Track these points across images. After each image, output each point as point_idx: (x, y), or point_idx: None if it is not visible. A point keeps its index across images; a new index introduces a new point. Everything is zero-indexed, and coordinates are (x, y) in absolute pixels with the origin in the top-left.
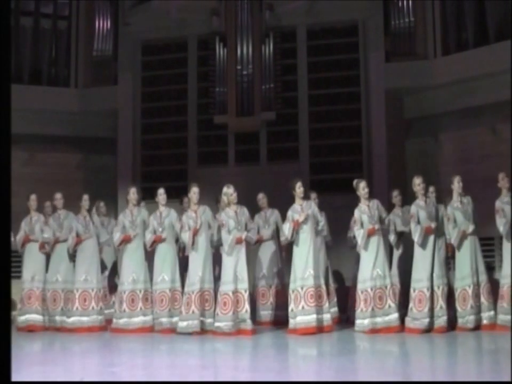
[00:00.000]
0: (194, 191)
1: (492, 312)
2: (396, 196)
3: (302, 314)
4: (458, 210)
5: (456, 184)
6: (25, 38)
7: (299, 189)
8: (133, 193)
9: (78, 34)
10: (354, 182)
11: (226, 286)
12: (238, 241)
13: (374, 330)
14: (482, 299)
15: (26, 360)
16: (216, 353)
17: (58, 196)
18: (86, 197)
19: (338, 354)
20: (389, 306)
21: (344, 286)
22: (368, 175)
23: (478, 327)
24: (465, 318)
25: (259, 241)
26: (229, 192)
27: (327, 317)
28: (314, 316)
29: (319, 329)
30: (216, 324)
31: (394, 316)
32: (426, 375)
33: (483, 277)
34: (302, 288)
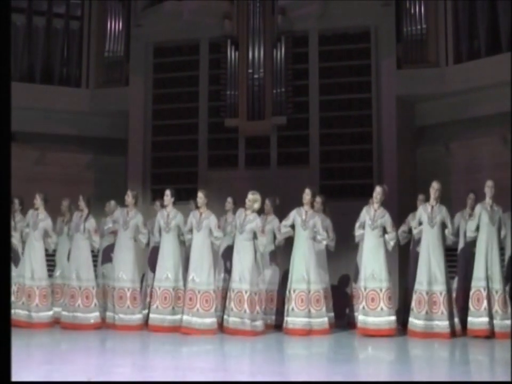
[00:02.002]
0: (199, 196)
1: (505, 322)
2: (420, 200)
3: (292, 316)
4: (486, 212)
5: (487, 189)
6: (37, 38)
7: (304, 195)
8: (127, 196)
9: (90, 35)
10: None
11: (231, 284)
12: None
13: (365, 330)
14: (496, 307)
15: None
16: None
17: (37, 196)
18: (81, 198)
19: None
20: (381, 309)
21: (344, 291)
22: (379, 182)
23: (490, 333)
24: (479, 319)
25: None
26: (248, 197)
27: (323, 321)
28: (303, 319)
29: (308, 332)
30: (225, 317)
31: (386, 319)
32: None
33: (497, 286)
34: (294, 291)
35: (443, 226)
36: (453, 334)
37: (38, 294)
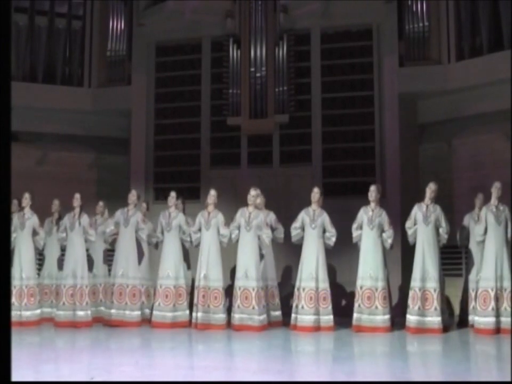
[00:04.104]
0: (212, 194)
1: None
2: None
3: (301, 314)
4: (491, 213)
5: (494, 189)
6: (39, 37)
7: (313, 194)
8: (132, 195)
9: (92, 34)
10: None
11: (236, 282)
12: None
13: (359, 328)
14: (505, 304)
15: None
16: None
17: (26, 195)
18: (77, 196)
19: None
20: (376, 307)
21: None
22: (381, 179)
23: (497, 330)
24: (485, 319)
25: None
26: (250, 193)
27: (328, 318)
28: (312, 317)
29: (316, 329)
30: (232, 315)
31: (381, 317)
32: None
33: (507, 283)
34: (303, 290)
35: (437, 224)
36: (445, 329)
37: (26, 293)
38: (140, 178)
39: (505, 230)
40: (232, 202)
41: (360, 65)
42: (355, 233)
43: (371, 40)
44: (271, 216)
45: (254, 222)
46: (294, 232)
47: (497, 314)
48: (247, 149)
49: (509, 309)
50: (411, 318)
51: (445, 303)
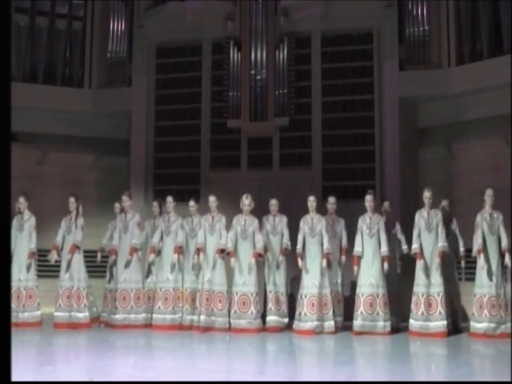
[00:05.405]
0: (211, 200)
1: (508, 324)
2: (444, 205)
3: (303, 321)
4: (485, 222)
5: (487, 197)
6: (40, 38)
7: (310, 203)
8: (124, 202)
9: (93, 35)
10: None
11: (234, 287)
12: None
13: (360, 332)
14: (500, 311)
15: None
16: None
17: (21, 199)
18: (72, 199)
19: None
20: (377, 313)
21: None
22: (381, 183)
23: (492, 335)
24: (481, 324)
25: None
26: (242, 201)
27: (329, 323)
28: (314, 323)
29: (317, 333)
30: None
31: (382, 323)
32: None
33: (501, 291)
34: (305, 296)
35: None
36: (449, 333)
37: (25, 294)
38: (140, 179)
39: (498, 238)
40: (232, 205)
41: (360, 69)
42: (357, 247)
43: (371, 44)
44: (284, 220)
45: (249, 229)
46: (301, 243)
47: (492, 321)
48: (247, 151)
49: (504, 316)
50: (415, 323)
51: (449, 308)
